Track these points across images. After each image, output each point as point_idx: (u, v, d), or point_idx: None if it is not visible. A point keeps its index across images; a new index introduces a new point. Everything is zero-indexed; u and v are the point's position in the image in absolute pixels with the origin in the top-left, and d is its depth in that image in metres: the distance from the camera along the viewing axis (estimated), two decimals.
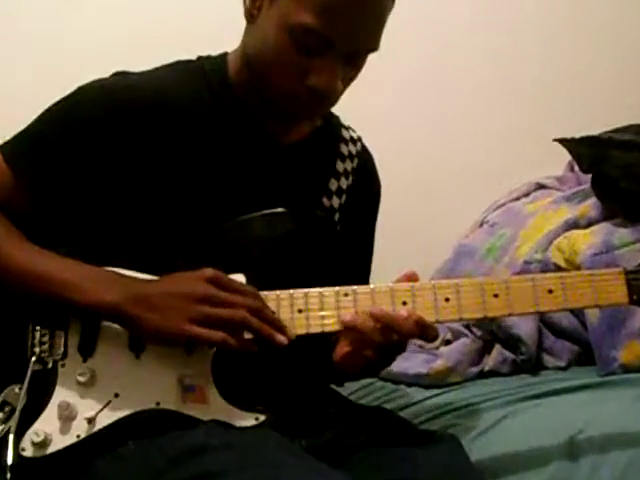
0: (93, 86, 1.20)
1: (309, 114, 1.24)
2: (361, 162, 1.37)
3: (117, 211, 1.19)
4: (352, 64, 1.17)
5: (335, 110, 1.30)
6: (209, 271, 1.10)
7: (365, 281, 1.29)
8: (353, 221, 1.36)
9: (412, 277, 1.16)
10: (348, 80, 1.19)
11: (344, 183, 1.34)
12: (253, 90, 1.21)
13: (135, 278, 1.13)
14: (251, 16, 1.18)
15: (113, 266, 1.15)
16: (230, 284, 1.10)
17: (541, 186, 2.24)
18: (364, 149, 1.40)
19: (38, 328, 1.13)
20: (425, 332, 1.12)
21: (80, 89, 1.20)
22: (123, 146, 1.17)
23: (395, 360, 1.20)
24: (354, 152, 1.37)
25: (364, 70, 1.20)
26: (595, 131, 1.89)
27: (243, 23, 1.21)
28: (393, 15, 1.17)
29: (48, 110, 1.20)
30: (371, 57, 1.19)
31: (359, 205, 1.37)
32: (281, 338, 1.09)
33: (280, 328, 1.10)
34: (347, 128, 1.38)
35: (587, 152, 1.87)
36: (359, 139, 1.40)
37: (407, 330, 1.10)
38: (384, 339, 1.11)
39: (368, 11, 1.13)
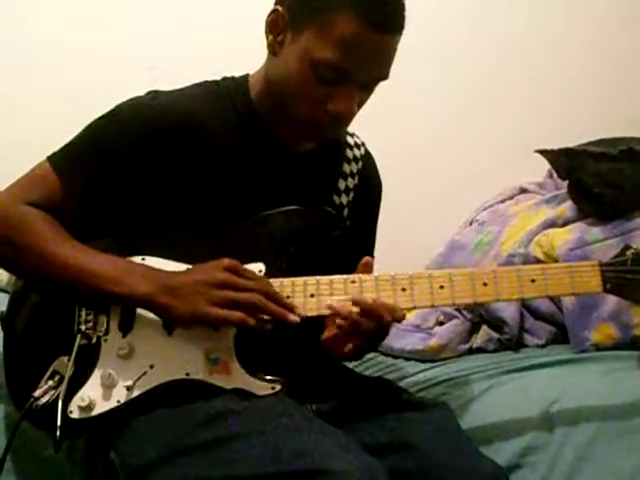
0: (130, 106, 1.16)
1: (328, 135, 1.21)
2: (365, 164, 1.34)
3: (155, 211, 1.17)
4: (366, 90, 1.15)
5: None
6: (227, 261, 1.08)
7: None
8: (359, 215, 1.34)
9: (367, 263, 1.14)
10: (362, 103, 1.16)
11: (351, 183, 1.31)
12: (274, 112, 1.18)
13: (164, 271, 1.10)
14: (274, 49, 1.15)
15: (151, 256, 1.13)
16: (245, 272, 1.08)
17: (524, 190, 2.22)
18: (367, 152, 1.36)
19: (84, 308, 1.12)
20: (394, 314, 1.09)
21: (118, 108, 1.17)
22: (159, 159, 1.15)
23: (377, 346, 1.20)
24: (359, 155, 1.34)
25: None
26: (571, 144, 1.87)
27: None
28: None
29: (89, 127, 1.17)
30: None
31: (364, 201, 1.34)
32: (293, 317, 1.07)
33: (291, 309, 1.08)
34: (352, 135, 1.36)
35: (564, 162, 1.86)
36: (363, 144, 1.37)
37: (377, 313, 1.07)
38: (365, 322, 1.08)
39: (382, 48, 1.10)
